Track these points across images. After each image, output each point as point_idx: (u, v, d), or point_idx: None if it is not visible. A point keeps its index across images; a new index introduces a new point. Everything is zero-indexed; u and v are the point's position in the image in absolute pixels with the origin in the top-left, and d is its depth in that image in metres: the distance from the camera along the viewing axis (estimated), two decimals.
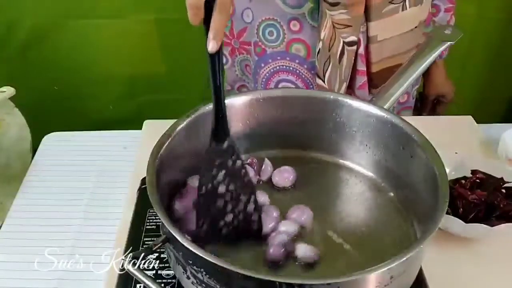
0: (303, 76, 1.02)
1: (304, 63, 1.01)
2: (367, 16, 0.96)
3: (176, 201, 0.72)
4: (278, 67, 1.03)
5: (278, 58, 1.03)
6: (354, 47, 0.97)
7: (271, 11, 0.99)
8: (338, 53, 0.97)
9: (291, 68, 1.02)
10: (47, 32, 1.59)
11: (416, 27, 1.01)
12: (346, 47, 0.97)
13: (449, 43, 0.86)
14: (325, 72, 0.98)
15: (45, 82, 1.66)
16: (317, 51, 0.98)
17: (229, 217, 0.68)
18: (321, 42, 0.96)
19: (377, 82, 1.02)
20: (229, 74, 1.14)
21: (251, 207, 0.69)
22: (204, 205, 0.68)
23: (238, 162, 0.69)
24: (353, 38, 0.96)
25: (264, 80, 1.05)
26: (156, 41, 1.62)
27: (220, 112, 0.67)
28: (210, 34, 0.61)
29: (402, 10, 0.97)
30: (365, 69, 1.00)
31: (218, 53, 0.63)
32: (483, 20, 1.61)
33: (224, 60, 1.13)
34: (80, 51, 1.63)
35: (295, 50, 1.00)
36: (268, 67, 1.04)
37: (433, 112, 1.27)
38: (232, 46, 1.10)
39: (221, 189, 0.68)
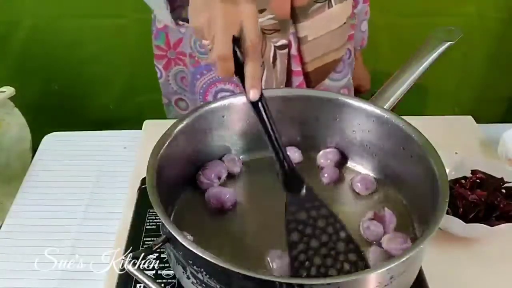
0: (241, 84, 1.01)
1: None
2: (294, 18, 0.96)
3: (201, 172, 0.75)
4: (214, 78, 1.02)
5: (213, 69, 1.01)
6: (286, 50, 0.98)
7: None
8: (271, 58, 0.97)
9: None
10: (47, 32, 1.59)
11: (344, 23, 1.03)
12: (277, 51, 0.97)
13: (449, 43, 0.86)
14: (261, 78, 0.98)
15: (45, 82, 1.67)
16: None
17: (333, 272, 0.62)
18: None
19: (313, 80, 1.03)
20: (164, 88, 1.13)
21: (352, 256, 0.63)
22: (301, 269, 0.62)
23: (323, 210, 0.65)
24: (283, 41, 0.96)
25: (202, 91, 1.04)
26: None
27: (283, 162, 0.64)
28: (248, 83, 0.59)
29: (328, 8, 0.98)
30: (300, 69, 1.01)
31: (261, 99, 0.60)
32: (483, 20, 1.61)
33: (159, 74, 1.11)
34: (80, 51, 1.63)
35: None
36: (204, 78, 1.03)
37: None
38: (168, 57, 1.07)
39: (314, 244, 0.62)
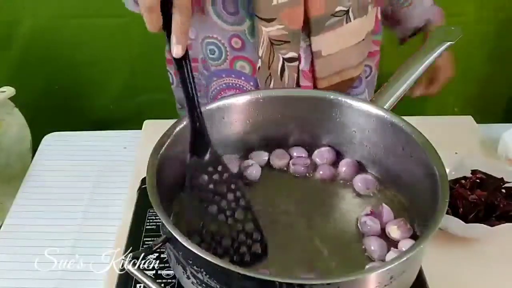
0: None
1: (250, 80, 0.97)
2: (308, 30, 0.92)
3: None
4: (224, 85, 0.99)
5: (223, 75, 0.99)
6: (295, 63, 0.94)
7: (211, 29, 0.94)
8: (279, 70, 0.94)
9: (237, 86, 0.99)
10: (47, 32, 1.59)
11: (363, 39, 0.97)
12: (286, 63, 0.93)
13: (449, 43, 0.86)
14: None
15: (45, 82, 1.67)
16: (257, 68, 0.94)
17: (227, 242, 0.63)
18: (260, 60, 0.93)
19: None
20: (177, 93, 1.11)
21: (249, 225, 0.64)
22: (195, 232, 0.62)
23: (225, 175, 0.65)
24: (292, 54, 0.92)
25: (211, 97, 1.02)
26: (156, 40, 1.61)
27: (195, 122, 0.64)
28: (173, 39, 0.58)
29: (346, 22, 0.93)
30: (310, 84, 0.96)
31: (185, 58, 0.60)
32: (483, 20, 1.61)
33: (171, 79, 1.10)
34: (80, 51, 1.63)
35: (239, 67, 0.97)
36: (214, 85, 1.00)
37: (425, 89, 1.16)
38: None
39: (212, 209, 0.63)
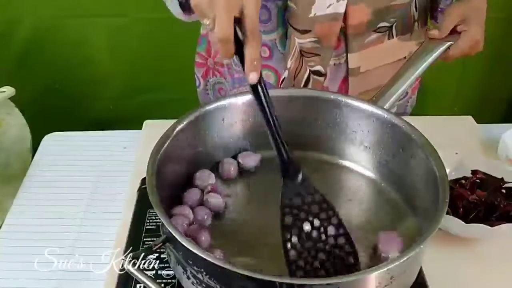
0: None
1: None
2: (346, 47, 0.91)
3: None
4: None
5: (246, 83, 0.98)
6: (321, 78, 0.93)
7: None
8: (303, 81, 0.93)
9: None
10: (47, 32, 1.59)
11: (405, 57, 0.94)
12: (312, 75, 0.92)
13: (449, 43, 0.86)
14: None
15: (45, 82, 1.67)
16: (281, 79, 0.94)
17: (322, 256, 0.64)
18: (286, 71, 0.92)
19: None
20: (202, 97, 1.11)
21: (341, 240, 0.65)
22: (293, 250, 0.63)
23: (317, 196, 0.66)
24: (320, 68, 0.91)
25: None
26: (156, 40, 1.62)
27: (280, 148, 0.65)
28: (247, 66, 0.59)
29: (388, 39, 0.92)
30: None
31: (260, 82, 0.60)
32: None
33: (197, 83, 1.09)
34: (80, 51, 1.63)
35: (264, 76, 0.94)
36: (234, 92, 0.99)
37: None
38: (207, 66, 1.05)
39: (306, 227, 0.65)
